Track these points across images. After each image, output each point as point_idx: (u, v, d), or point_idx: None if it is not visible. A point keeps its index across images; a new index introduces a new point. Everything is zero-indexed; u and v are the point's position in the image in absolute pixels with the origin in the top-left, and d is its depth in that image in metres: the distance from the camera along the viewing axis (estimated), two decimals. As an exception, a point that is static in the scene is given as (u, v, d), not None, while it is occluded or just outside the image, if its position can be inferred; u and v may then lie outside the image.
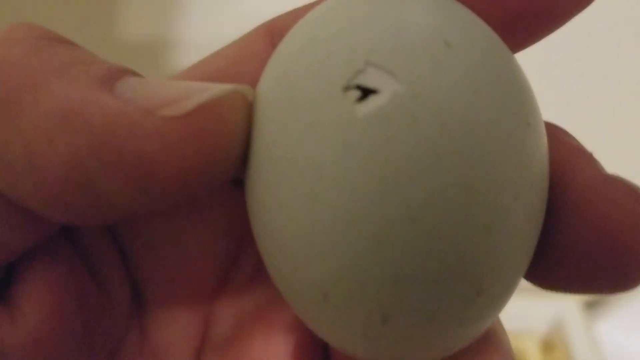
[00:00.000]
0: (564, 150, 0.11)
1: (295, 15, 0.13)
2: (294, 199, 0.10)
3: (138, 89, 0.10)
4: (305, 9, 0.12)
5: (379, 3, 0.10)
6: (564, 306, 0.50)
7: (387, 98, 0.09)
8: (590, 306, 0.51)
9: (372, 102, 0.09)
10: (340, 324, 0.10)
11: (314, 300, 0.10)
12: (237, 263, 0.14)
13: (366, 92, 0.09)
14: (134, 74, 0.10)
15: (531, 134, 0.10)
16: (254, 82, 0.12)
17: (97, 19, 0.49)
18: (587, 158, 0.10)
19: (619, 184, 0.10)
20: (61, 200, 0.10)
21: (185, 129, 0.09)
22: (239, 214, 0.13)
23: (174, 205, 0.11)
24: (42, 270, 0.11)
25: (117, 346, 0.13)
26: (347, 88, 0.09)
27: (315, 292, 0.10)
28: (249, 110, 0.10)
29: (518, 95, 0.10)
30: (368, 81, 0.09)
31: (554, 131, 0.11)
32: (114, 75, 0.10)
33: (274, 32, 0.13)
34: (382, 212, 0.09)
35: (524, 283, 0.11)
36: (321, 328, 0.11)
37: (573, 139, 0.11)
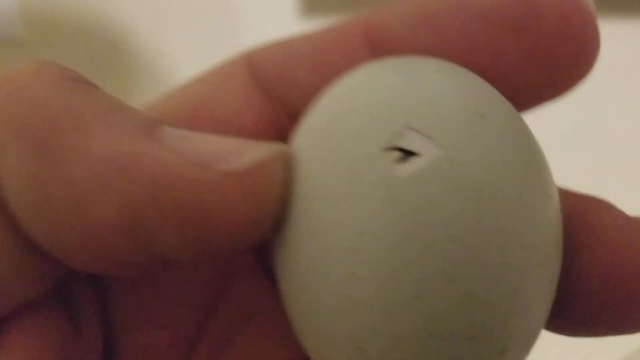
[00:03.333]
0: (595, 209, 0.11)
1: (276, 49, 0.13)
2: (333, 252, 0.10)
3: (185, 141, 0.10)
4: (287, 43, 0.12)
5: (415, 74, 0.11)
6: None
7: (427, 161, 0.10)
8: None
9: (414, 163, 0.10)
10: None
11: (346, 353, 0.10)
12: (213, 317, 0.13)
13: (406, 154, 0.10)
14: (166, 123, 0.11)
15: (551, 205, 0.10)
16: (233, 114, 0.12)
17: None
18: (608, 207, 0.11)
19: (636, 225, 0.11)
20: (107, 248, 0.10)
21: (241, 184, 0.10)
22: (219, 265, 0.13)
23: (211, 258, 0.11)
24: (28, 320, 0.11)
25: None
26: (388, 149, 0.10)
27: (349, 345, 0.10)
28: (291, 170, 0.11)
29: (540, 167, 0.11)
30: (408, 144, 0.10)
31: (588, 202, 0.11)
32: (152, 124, 0.10)
33: (253, 63, 0.13)
34: (421, 268, 0.09)
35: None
36: None
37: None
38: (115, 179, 0.09)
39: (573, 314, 0.11)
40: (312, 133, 0.11)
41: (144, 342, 0.12)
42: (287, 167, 0.10)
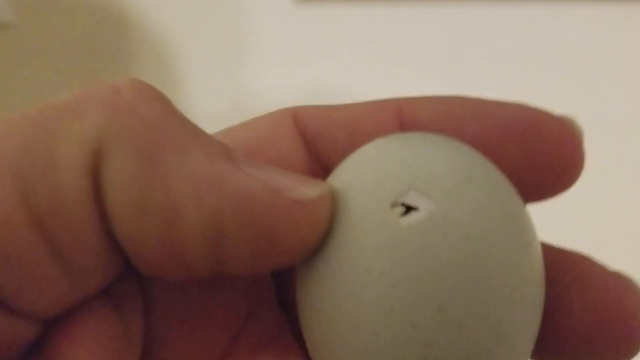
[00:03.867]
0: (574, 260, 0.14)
1: (319, 110, 0.15)
2: (345, 289, 0.12)
3: (256, 169, 0.12)
4: (329, 108, 0.15)
5: (420, 147, 0.13)
6: None
7: (424, 214, 0.12)
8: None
9: (413, 216, 0.12)
10: None
11: None
12: (238, 341, 0.14)
13: (408, 209, 0.12)
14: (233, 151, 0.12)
15: (531, 251, 0.13)
16: (285, 157, 0.14)
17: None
18: (595, 264, 0.14)
19: (617, 278, 0.13)
20: (185, 252, 0.11)
21: (306, 210, 0.12)
22: (251, 286, 0.14)
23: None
24: (84, 327, 0.12)
25: None
26: (394, 204, 0.12)
27: None
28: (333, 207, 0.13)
29: (521, 220, 0.13)
30: (410, 200, 0.12)
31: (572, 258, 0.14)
32: (229, 149, 0.12)
33: (297, 118, 0.15)
34: (417, 302, 0.12)
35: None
36: None
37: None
38: (208, 193, 0.11)
39: (562, 350, 0.13)
40: (337, 189, 0.13)
41: (181, 355, 0.13)
42: (333, 203, 0.12)
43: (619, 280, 0.13)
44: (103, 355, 0.11)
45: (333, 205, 0.12)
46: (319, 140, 0.15)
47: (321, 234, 0.12)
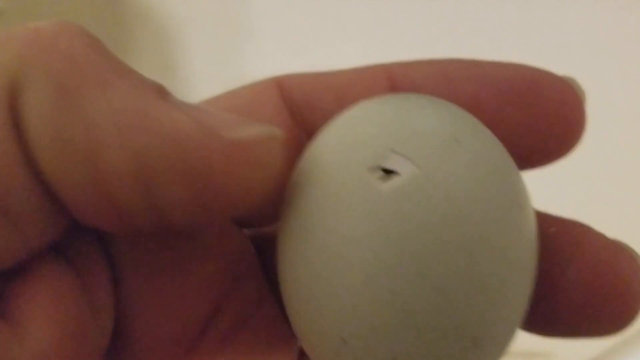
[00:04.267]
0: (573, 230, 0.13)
1: (306, 78, 0.14)
2: (322, 257, 0.11)
3: (194, 109, 0.11)
4: (316, 74, 0.14)
5: (401, 107, 0.12)
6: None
7: (405, 178, 0.11)
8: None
9: (393, 181, 0.11)
10: None
11: (333, 344, 0.12)
12: (220, 314, 0.14)
13: (389, 173, 0.11)
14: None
15: (521, 214, 0.12)
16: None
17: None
18: (591, 231, 0.13)
19: (616, 247, 0.13)
20: (114, 197, 0.10)
21: (245, 152, 0.11)
22: (233, 255, 0.14)
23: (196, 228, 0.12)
24: (41, 284, 0.11)
25: None
26: (373, 168, 0.11)
27: (335, 337, 0.11)
28: (284, 152, 0.12)
29: (510, 183, 0.12)
30: (390, 164, 0.11)
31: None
32: (165, 89, 0.11)
33: (283, 87, 0.14)
34: (397, 268, 0.11)
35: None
36: None
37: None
38: (131, 129, 0.10)
39: (559, 318, 0.13)
40: (316, 154, 0.13)
41: (155, 328, 0.13)
42: (283, 148, 0.11)
43: (618, 248, 0.13)
44: (61, 311, 0.11)
45: (282, 149, 0.11)
46: (305, 107, 0.14)
47: (269, 179, 0.11)
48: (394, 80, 0.14)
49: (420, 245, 0.11)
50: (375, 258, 0.11)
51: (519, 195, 0.12)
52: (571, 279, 0.13)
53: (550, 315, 0.13)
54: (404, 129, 0.12)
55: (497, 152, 0.12)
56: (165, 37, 0.50)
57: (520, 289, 0.12)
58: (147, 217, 0.11)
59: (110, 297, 0.12)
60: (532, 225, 0.12)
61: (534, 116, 0.13)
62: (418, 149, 0.11)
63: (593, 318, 0.13)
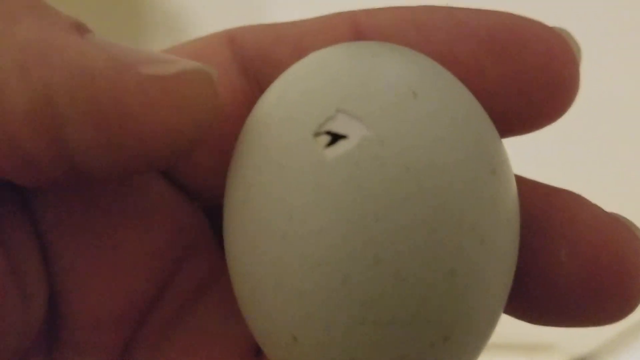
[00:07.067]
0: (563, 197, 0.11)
1: (260, 30, 0.13)
2: (265, 239, 0.10)
3: (112, 43, 0.10)
4: (272, 26, 0.13)
5: (354, 57, 0.11)
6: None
7: (355, 143, 0.09)
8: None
9: (341, 146, 0.10)
10: None
11: (284, 342, 0.10)
12: (170, 289, 0.13)
13: (336, 138, 0.10)
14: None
15: (496, 181, 0.10)
16: None
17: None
18: (586, 203, 0.11)
19: (614, 222, 0.11)
20: (19, 143, 0.09)
21: (166, 89, 0.10)
22: (181, 228, 0.13)
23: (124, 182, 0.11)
24: None
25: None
26: (318, 134, 0.10)
27: (285, 334, 0.10)
28: (215, 91, 0.10)
29: (482, 144, 0.10)
30: (338, 127, 0.10)
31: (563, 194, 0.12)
32: (83, 26, 0.10)
33: (234, 40, 0.13)
34: (348, 252, 0.09)
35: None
36: None
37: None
38: (34, 64, 0.09)
39: (554, 305, 0.11)
40: (259, 113, 0.11)
41: (95, 305, 0.12)
42: (212, 86, 0.10)
43: (616, 223, 0.11)
44: None
45: (212, 87, 0.10)
46: (259, 61, 0.12)
47: (197, 120, 0.10)
48: (359, 28, 0.12)
49: (374, 222, 0.09)
50: (323, 240, 0.09)
51: (493, 160, 0.10)
52: (565, 260, 0.11)
53: (544, 301, 0.11)
54: (354, 84, 0.10)
55: (466, 108, 0.10)
56: (177, 26, 0.50)
57: (496, 272, 0.10)
58: (58, 165, 0.10)
59: (38, 268, 0.11)
60: (511, 197, 0.10)
61: (518, 72, 0.11)
62: (370, 107, 0.10)
63: (592, 303, 0.11)
